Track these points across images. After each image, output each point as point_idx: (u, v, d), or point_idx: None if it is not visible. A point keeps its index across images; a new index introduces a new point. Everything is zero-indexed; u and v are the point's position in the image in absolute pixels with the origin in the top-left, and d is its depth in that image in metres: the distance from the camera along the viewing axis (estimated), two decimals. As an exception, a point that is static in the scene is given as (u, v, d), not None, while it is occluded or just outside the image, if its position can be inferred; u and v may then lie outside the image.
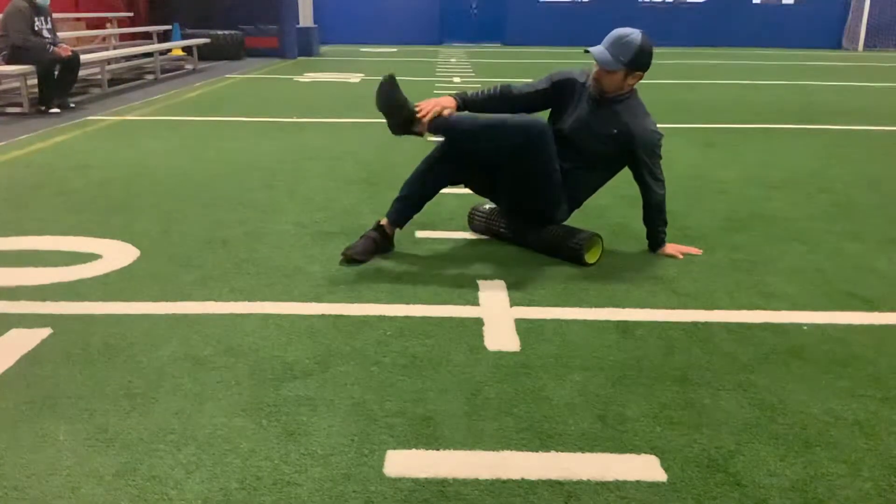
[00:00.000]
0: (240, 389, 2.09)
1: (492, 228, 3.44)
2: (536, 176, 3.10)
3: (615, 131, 3.11)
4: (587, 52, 3.05)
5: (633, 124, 3.11)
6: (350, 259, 3.05)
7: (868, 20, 20.10)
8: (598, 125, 3.12)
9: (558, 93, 3.22)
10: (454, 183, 3.28)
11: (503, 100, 3.18)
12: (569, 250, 3.13)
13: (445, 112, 3.00)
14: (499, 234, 3.42)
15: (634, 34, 3.03)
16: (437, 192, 3.23)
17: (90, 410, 1.97)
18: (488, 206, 3.48)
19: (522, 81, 3.26)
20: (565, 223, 3.29)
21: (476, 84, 10.25)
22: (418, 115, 3.01)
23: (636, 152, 3.14)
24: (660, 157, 3.20)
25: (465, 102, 3.12)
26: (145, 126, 6.68)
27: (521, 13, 20.80)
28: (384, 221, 3.19)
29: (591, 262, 3.12)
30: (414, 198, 3.21)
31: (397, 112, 3.04)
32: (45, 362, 2.23)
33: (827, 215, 3.99)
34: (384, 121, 3.14)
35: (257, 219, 3.74)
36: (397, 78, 3.06)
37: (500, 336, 2.46)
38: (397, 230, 3.24)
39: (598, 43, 3.08)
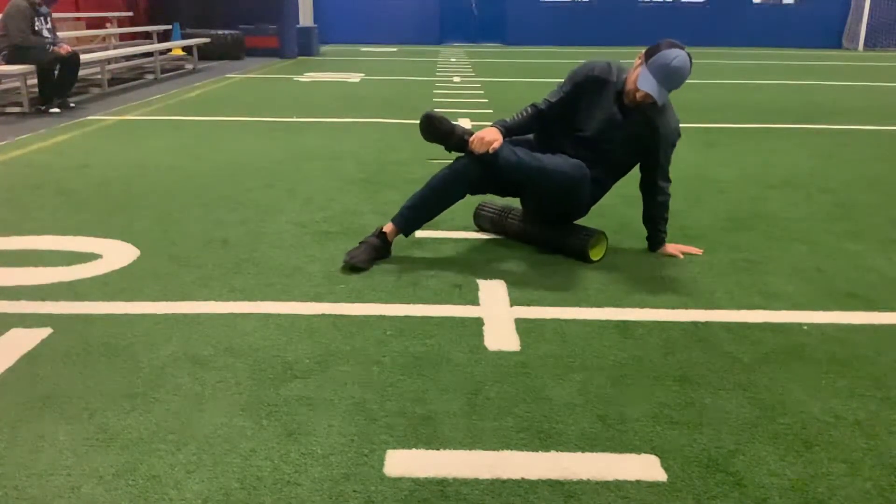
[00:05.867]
0: (240, 389, 2.09)
1: (499, 224, 3.44)
2: (565, 210, 3.17)
3: (642, 132, 3.07)
4: (650, 95, 2.91)
5: (660, 124, 3.07)
6: (353, 267, 3.01)
7: (868, 20, 20.10)
8: (626, 128, 3.07)
9: (581, 92, 3.13)
10: (475, 193, 3.26)
11: (538, 119, 3.18)
12: (574, 247, 3.14)
13: (492, 149, 2.98)
14: (505, 230, 3.43)
15: (685, 65, 2.90)
16: (454, 204, 3.20)
17: (90, 410, 1.97)
18: (500, 201, 3.49)
19: (547, 94, 3.23)
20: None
21: (476, 83, 10.24)
22: (468, 150, 3.04)
23: (656, 151, 3.13)
24: (671, 155, 3.20)
25: (508, 131, 3.10)
26: (145, 126, 6.68)
27: (521, 13, 20.80)
28: (387, 228, 3.14)
29: (595, 259, 3.13)
30: (429, 209, 3.17)
31: (445, 143, 3.10)
32: (45, 362, 2.23)
33: (827, 215, 3.99)
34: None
35: (257, 219, 3.74)
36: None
37: (500, 336, 2.46)
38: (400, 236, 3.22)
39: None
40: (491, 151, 2.99)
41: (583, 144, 3.10)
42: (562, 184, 3.02)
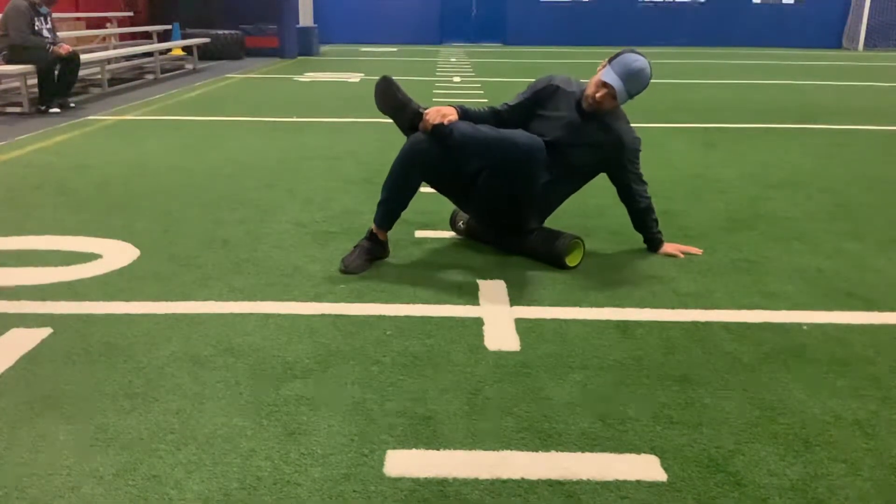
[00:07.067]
0: (240, 389, 2.09)
1: (472, 234, 3.42)
2: (520, 191, 3.06)
3: (604, 139, 3.10)
4: (608, 84, 2.98)
5: (621, 130, 3.13)
6: (349, 274, 2.98)
7: (868, 20, 20.10)
8: (586, 134, 3.09)
9: (540, 100, 3.19)
10: (427, 179, 3.17)
11: (494, 118, 3.18)
12: (550, 254, 3.10)
13: (447, 120, 2.94)
14: (479, 240, 3.40)
15: (646, 68, 3.02)
16: (418, 188, 3.11)
17: (90, 410, 1.97)
18: (461, 221, 3.44)
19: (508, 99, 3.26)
20: (544, 226, 3.25)
21: (476, 83, 10.24)
22: (422, 125, 2.96)
23: (621, 159, 3.15)
24: (639, 161, 3.22)
25: (465, 113, 3.07)
26: (145, 126, 6.68)
27: (521, 13, 20.80)
28: (375, 228, 3.11)
29: (572, 265, 3.09)
30: (397, 197, 3.09)
31: (399, 114, 3.03)
32: (45, 362, 2.23)
33: (827, 215, 3.99)
34: (384, 121, 3.13)
35: (257, 219, 3.74)
36: (395, 77, 3.05)
37: (500, 336, 2.46)
38: (390, 233, 3.18)
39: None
40: (447, 122, 2.93)
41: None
42: (518, 151, 2.93)
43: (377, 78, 3.13)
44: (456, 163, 3.06)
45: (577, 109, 3.13)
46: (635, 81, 3.02)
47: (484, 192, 3.12)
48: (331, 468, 1.74)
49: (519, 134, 2.98)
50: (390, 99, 3.02)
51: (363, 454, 1.80)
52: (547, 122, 3.16)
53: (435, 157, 3.00)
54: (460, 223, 3.46)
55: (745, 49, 19.58)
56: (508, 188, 3.06)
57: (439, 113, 2.96)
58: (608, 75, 3.01)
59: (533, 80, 3.31)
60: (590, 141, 3.10)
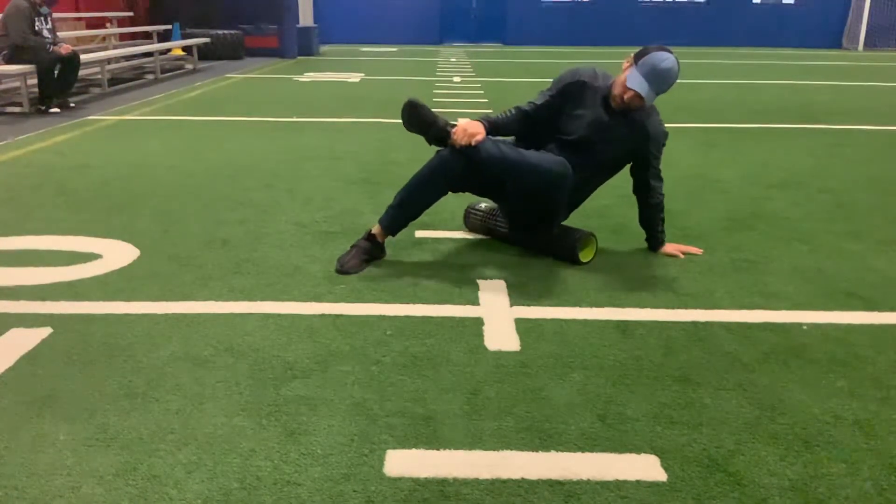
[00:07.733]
0: (240, 389, 2.09)
1: (488, 226, 3.43)
2: (545, 207, 3.10)
3: (631, 132, 3.08)
4: (638, 94, 2.93)
5: (648, 123, 3.09)
6: (344, 273, 2.98)
7: (868, 20, 20.11)
8: (614, 129, 3.07)
9: (566, 97, 3.14)
10: (455, 191, 3.20)
11: (523, 121, 3.16)
12: (563, 249, 3.13)
13: (474, 141, 2.93)
14: (495, 232, 3.42)
15: (674, 67, 2.93)
16: (437, 200, 3.14)
17: (90, 410, 1.97)
18: (485, 204, 3.47)
19: (533, 97, 3.23)
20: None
21: (476, 83, 10.24)
22: (450, 142, 2.98)
23: (646, 151, 3.13)
24: (661, 156, 3.20)
25: (492, 125, 3.06)
26: (145, 126, 6.68)
27: (521, 13, 20.81)
28: (376, 229, 3.11)
29: (585, 261, 3.12)
30: (412, 206, 3.11)
31: (426, 132, 3.03)
32: (45, 362, 2.23)
33: (827, 215, 3.99)
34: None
35: (257, 219, 3.74)
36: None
37: (500, 336, 2.46)
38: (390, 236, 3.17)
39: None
40: (474, 143, 2.94)
41: (569, 148, 3.08)
42: (544, 178, 2.97)
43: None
44: (483, 177, 3.07)
45: (603, 106, 3.09)
46: (662, 82, 2.94)
47: (512, 200, 3.17)
48: (331, 468, 1.74)
49: (545, 159, 2.99)
50: (417, 120, 3.02)
51: (363, 454, 1.80)
52: (574, 119, 3.12)
53: (461, 174, 3.03)
54: (473, 219, 3.47)
55: (745, 49, 19.58)
56: (534, 205, 3.09)
57: (466, 133, 2.95)
58: (635, 80, 2.93)
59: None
60: (618, 136, 3.08)
